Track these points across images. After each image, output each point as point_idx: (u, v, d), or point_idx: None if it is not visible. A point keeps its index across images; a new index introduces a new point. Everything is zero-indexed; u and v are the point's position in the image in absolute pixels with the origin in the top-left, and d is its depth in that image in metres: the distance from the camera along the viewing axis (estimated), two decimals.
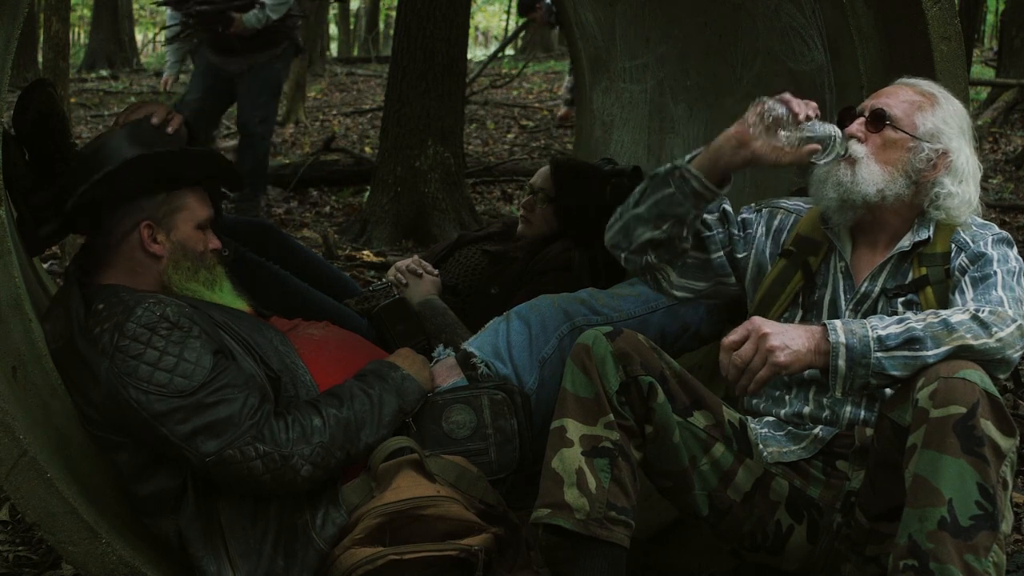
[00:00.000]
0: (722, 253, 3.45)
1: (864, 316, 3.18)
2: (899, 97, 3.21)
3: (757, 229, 3.47)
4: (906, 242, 3.18)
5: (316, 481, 3.21)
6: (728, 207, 3.48)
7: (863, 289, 3.22)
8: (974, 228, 3.17)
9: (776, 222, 3.47)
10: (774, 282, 3.38)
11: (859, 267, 3.28)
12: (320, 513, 3.25)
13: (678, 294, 3.49)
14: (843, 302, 3.26)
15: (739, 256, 3.46)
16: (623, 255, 3.45)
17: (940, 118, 3.17)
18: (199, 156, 3.58)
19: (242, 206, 8.61)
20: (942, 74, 3.59)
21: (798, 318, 3.32)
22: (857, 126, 3.19)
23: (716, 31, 4.76)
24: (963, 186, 3.16)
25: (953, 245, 3.13)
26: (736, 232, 3.47)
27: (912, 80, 3.31)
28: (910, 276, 3.17)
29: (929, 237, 3.17)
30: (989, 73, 17.18)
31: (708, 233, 3.43)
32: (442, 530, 3.26)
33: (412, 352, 3.72)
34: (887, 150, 3.15)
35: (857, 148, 3.15)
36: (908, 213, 3.21)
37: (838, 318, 3.19)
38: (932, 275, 3.13)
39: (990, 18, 29.14)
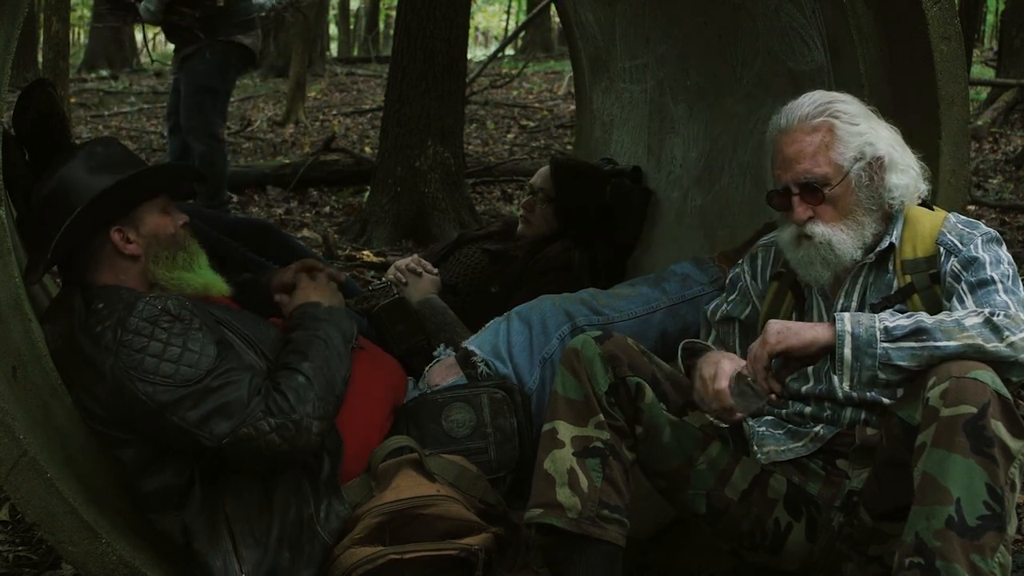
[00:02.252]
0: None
1: None
2: (806, 151, 3.13)
3: (746, 280, 3.49)
4: (871, 255, 3.17)
5: (325, 434, 3.26)
6: (725, 304, 3.54)
7: (839, 305, 3.21)
8: (960, 227, 3.12)
9: (759, 263, 3.49)
10: (770, 307, 3.40)
11: (836, 287, 3.27)
12: (324, 506, 3.27)
13: None
14: (827, 318, 3.24)
15: (745, 314, 3.49)
16: None
17: (847, 133, 3.12)
18: (156, 171, 3.64)
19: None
20: (942, 74, 3.59)
21: None
22: (802, 211, 3.14)
23: (716, 31, 4.76)
24: (904, 174, 3.14)
25: (941, 248, 3.09)
26: (731, 296, 3.51)
27: (792, 116, 3.18)
28: (895, 286, 3.15)
29: (893, 242, 3.14)
30: (989, 73, 17.19)
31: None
32: (442, 529, 3.27)
33: (308, 282, 3.78)
34: (839, 206, 3.12)
35: (819, 231, 3.12)
36: (882, 221, 3.19)
37: None
38: (918, 282, 3.10)
39: (990, 18, 29.14)
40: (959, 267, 3.03)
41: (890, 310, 3.01)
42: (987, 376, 2.64)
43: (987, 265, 3.00)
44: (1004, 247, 3.08)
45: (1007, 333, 2.73)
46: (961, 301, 2.96)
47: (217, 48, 8.39)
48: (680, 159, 5.27)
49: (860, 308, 3.18)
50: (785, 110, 3.20)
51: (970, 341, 2.71)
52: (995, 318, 2.75)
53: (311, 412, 3.17)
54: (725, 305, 3.51)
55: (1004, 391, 2.64)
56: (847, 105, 3.17)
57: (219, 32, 8.39)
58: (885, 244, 3.15)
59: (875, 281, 3.19)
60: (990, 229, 3.11)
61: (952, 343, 2.71)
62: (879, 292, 3.17)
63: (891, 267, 3.16)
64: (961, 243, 3.06)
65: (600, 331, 3.18)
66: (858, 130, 3.12)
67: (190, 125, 8.52)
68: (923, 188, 3.19)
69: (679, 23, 5.06)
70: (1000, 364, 2.72)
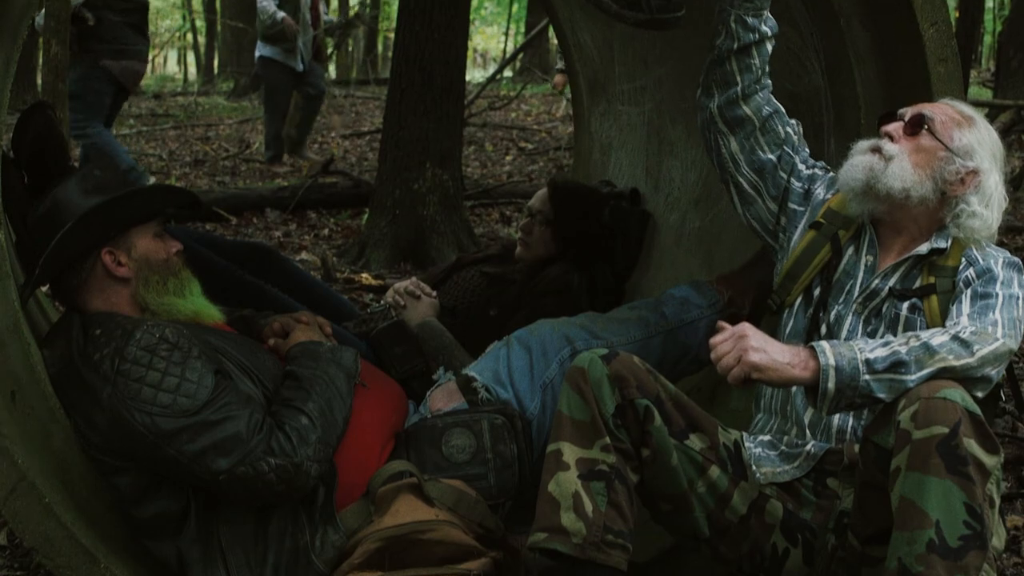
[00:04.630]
0: (784, 156, 3.57)
1: (871, 313, 3.25)
2: (940, 110, 3.26)
3: (818, 189, 3.55)
4: (924, 247, 3.21)
5: (322, 475, 3.26)
6: (803, 147, 3.62)
7: (875, 284, 3.25)
8: (987, 248, 3.20)
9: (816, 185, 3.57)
10: (803, 253, 3.44)
11: (880, 262, 3.32)
12: (319, 534, 3.26)
13: (729, 167, 3.61)
14: (856, 291, 3.29)
15: (791, 204, 3.57)
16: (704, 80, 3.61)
17: (975, 138, 3.21)
18: (148, 194, 3.65)
19: None
20: (939, 95, 3.60)
21: (817, 295, 3.36)
22: (895, 127, 3.25)
23: None
24: (987, 209, 3.20)
25: (964, 259, 3.16)
26: (802, 168, 3.58)
27: (955, 101, 3.35)
28: (918, 282, 3.21)
29: (946, 248, 3.19)
30: (987, 94, 17.20)
31: (779, 125, 3.57)
32: (441, 554, 3.26)
33: (306, 324, 3.78)
34: (919, 153, 3.20)
35: (891, 148, 3.21)
36: (927, 223, 3.25)
37: (847, 308, 3.28)
38: (940, 285, 3.16)
39: (988, 39, 29.20)
40: (974, 275, 3.11)
41: (865, 337, 3.11)
42: (956, 394, 2.67)
43: (998, 282, 3.06)
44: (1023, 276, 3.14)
45: (976, 347, 2.81)
46: (959, 305, 3.05)
47: (87, 63, 9.02)
48: (678, 181, 5.28)
49: (890, 291, 3.23)
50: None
51: (941, 365, 2.77)
52: (962, 334, 2.81)
53: (311, 455, 3.17)
54: (800, 162, 3.59)
55: (974, 408, 2.67)
56: (996, 138, 3.28)
57: (89, 50, 8.98)
58: (940, 245, 3.20)
59: (908, 270, 3.24)
60: (1017, 259, 3.18)
61: (924, 371, 2.77)
62: (903, 283, 3.23)
63: (922, 264, 3.23)
64: (983, 259, 3.15)
65: (607, 349, 3.17)
66: (981, 147, 3.22)
67: (80, 136, 9.18)
68: (981, 240, 3.22)
69: (677, 45, 5.06)
70: (968, 380, 2.77)
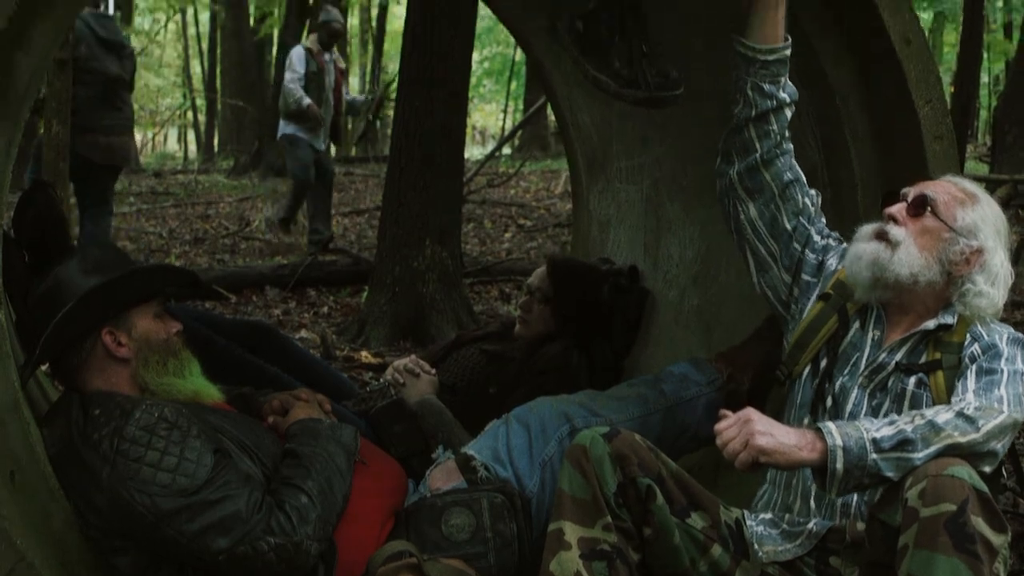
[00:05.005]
0: (800, 228, 3.57)
1: (876, 387, 3.24)
2: (942, 189, 3.27)
3: (831, 260, 3.55)
4: (931, 323, 3.21)
5: (322, 554, 3.25)
6: (820, 217, 3.62)
7: (881, 358, 3.25)
8: (992, 324, 3.20)
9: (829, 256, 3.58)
10: (811, 323, 3.44)
11: (888, 336, 3.32)
12: None
13: (747, 233, 3.62)
14: (863, 365, 3.28)
15: (804, 275, 3.56)
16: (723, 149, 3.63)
17: (979, 216, 3.22)
18: (152, 272, 3.66)
19: None
20: (935, 172, 3.63)
21: (823, 366, 3.35)
22: (899, 208, 3.25)
23: (713, 130, 4.79)
24: (993, 288, 3.20)
25: (969, 335, 3.16)
26: (817, 240, 3.58)
27: (957, 178, 3.36)
28: (924, 357, 3.20)
29: (952, 324, 3.19)
30: (984, 169, 17.29)
31: (799, 193, 3.57)
32: None
33: (305, 401, 3.78)
34: (924, 236, 3.20)
35: (897, 232, 3.21)
36: (934, 302, 3.25)
37: (852, 380, 3.26)
38: (945, 360, 3.15)
39: (984, 114, 29.40)
40: (979, 351, 3.10)
41: (870, 416, 3.10)
42: (964, 472, 2.66)
43: (1003, 358, 3.06)
44: None
45: (981, 422, 2.81)
46: (964, 381, 3.05)
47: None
48: (677, 258, 5.29)
49: (896, 365, 3.22)
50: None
51: (948, 442, 2.77)
52: (967, 410, 2.81)
53: (311, 534, 3.16)
54: (816, 233, 3.59)
55: (982, 486, 2.67)
56: (999, 213, 3.29)
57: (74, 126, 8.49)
58: (947, 321, 3.19)
59: (914, 346, 3.23)
60: (1020, 334, 3.18)
61: (931, 449, 2.77)
62: (908, 358, 3.23)
63: (928, 340, 3.22)
64: (988, 335, 3.15)
65: (607, 427, 3.17)
66: (985, 224, 3.23)
67: None
68: (987, 317, 3.22)
69: (675, 122, 5.09)
70: (975, 456, 2.76)
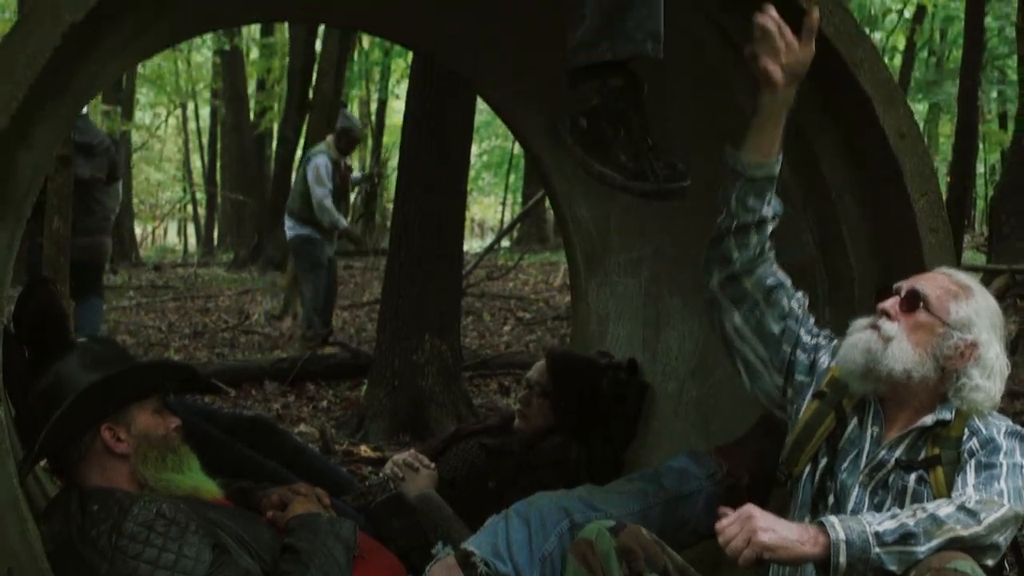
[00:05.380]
0: (788, 330, 3.56)
1: (878, 484, 3.22)
2: (936, 283, 3.27)
3: (822, 358, 3.53)
4: (929, 419, 3.20)
5: None
6: (808, 318, 3.60)
7: (881, 455, 3.24)
8: (989, 417, 3.19)
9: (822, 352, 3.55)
10: (808, 423, 3.42)
11: (887, 432, 3.30)
12: None
13: (735, 343, 3.60)
14: (863, 462, 3.27)
15: (797, 376, 3.54)
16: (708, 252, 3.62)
17: (973, 309, 3.21)
18: (151, 368, 3.65)
19: None
20: (931, 265, 3.63)
21: (823, 464, 3.32)
22: (892, 303, 3.24)
23: (710, 223, 4.82)
24: (989, 381, 3.19)
25: (967, 430, 3.15)
26: (807, 340, 3.56)
27: (951, 270, 3.37)
28: (923, 454, 3.19)
29: (950, 420, 3.18)
30: (981, 259, 17.35)
31: (783, 297, 3.56)
32: None
33: (304, 495, 3.76)
34: (918, 331, 3.19)
35: (889, 327, 3.20)
36: (929, 397, 3.24)
37: (853, 478, 3.24)
38: (945, 456, 3.14)
39: (980, 203, 29.55)
40: (977, 446, 3.10)
41: (872, 511, 3.08)
42: (967, 565, 2.68)
43: (1002, 452, 3.06)
44: None
45: (983, 515, 2.83)
46: (964, 476, 3.05)
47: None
48: (676, 351, 5.29)
49: (896, 462, 3.20)
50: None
51: (951, 535, 2.77)
52: (968, 504, 2.81)
53: None
54: (805, 333, 3.57)
55: None
56: (993, 305, 3.29)
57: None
58: (945, 417, 3.18)
59: (913, 442, 3.21)
60: (1020, 427, 3.18)
61: (934, 542, 2.78)
62: (908, 454, 3.21)
63: (927, 436, 3.21)
64: (986, 428, 3.14)
65: (612, 521, 3.16)
66: (979, 317, 3.22)
67: None
68: (984, 411, 3.21)
69: (674, 216, 5.12)
70: (977, 549, 2.76)
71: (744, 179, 3.45)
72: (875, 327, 3.23)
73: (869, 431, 3.31)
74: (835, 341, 3.54)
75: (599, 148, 3.41)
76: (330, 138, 11.96)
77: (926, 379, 3.19)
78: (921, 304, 3.21)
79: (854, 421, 3.35)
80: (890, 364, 3.17)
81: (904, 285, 3.29)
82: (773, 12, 3.29)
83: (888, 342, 3.18)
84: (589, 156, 3.42)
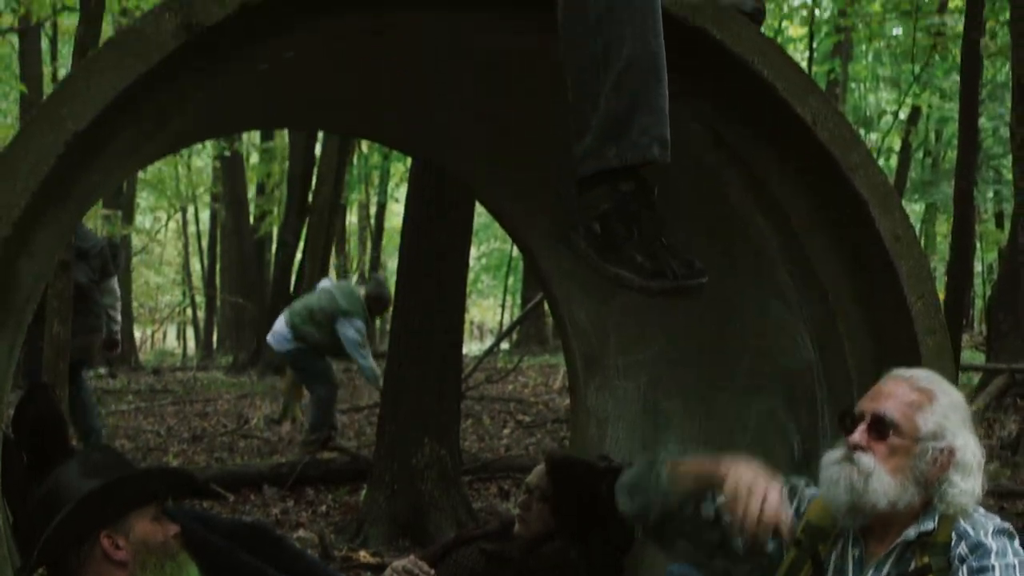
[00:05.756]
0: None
1: None
2: (897, 398, 3.19)
3: (802, 509, 3.46)
4: (911, 531, 3.16)
5: None
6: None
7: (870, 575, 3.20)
8: (976, 517, 3.14)
9: (794, 505, 3.45)
10: (787, 572, 3.36)
11: (866, 556, 3.26)
12: None
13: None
14: None
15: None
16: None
17: (941, 414, 3.16)
18: (149, 475, 3.65)
19: None
20: (929, 367, 3.63)
21: None
22: (860, 435, 3.16)
23: (708, 327, 4.84)
24: (971, 479, 3.15)
25: (954, 534, 3.11)
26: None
27: (907, 372, 3.30)
28: (913, 565, 3.15)
29: (934, 528, 3.14)
30: (980, 357, 17.35)
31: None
32: None
33: None
34: (893, 457, 3.13)
35: (865, 461, 3.12)
36: (912, 513, 3.19)
37: None
38: (935, 563, 3.11)
39: (979, 303, 29.61)
40: (966, 551, 3.06)
41: None
42: None
43: (992, 553, 3.02)
44: (1016, 541, 3.09)
45: None
46: None
47: None
48: (675, 454, 5.27)
49: None
50: (907, 368, 3.32)
51: None
52: None
53: None
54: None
55: None
56: (957, 398, 3.23)
57: None
58: (928, 528, 3.14)
59: (900, 555, 3.18)
60: (1006, 524, 3.14)
61: None
62: (897, 568, 3.17)
63: (913, 547, 3.16)
64: (973, 530, 3.09)
65: None
66: (949, 421, 3.16)
67: None
68: (969, 509, 3.16)
69: (672, 318, 5.14)
70: None
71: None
72: (851, 460, 3.15)
73: (850, 555, 3.27)
74: (811, 488, 3.47)
75: (613, 250, 3.40)
76: (361, 296, 11.62)
77: (911, 503, 3.16)
78: (890, 431, 3.15)
79: (833, 557, 3.30)
80: (874, 499, 3.10)
81: (867, 410, 3.21)
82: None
83: (868, 478, 3.11)
84: (604, 260, 3.41)
